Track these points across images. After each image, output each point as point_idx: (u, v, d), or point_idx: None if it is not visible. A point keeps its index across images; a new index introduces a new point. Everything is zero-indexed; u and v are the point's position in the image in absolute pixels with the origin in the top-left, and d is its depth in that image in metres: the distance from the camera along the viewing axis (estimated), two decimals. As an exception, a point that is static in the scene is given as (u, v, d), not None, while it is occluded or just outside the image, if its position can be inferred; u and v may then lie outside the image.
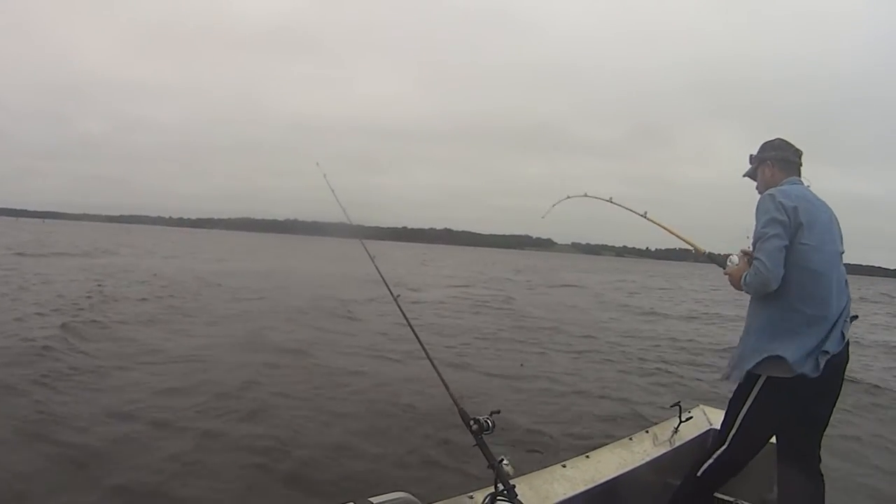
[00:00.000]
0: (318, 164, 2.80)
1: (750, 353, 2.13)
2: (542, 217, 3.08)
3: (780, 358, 2.03)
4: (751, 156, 2.44)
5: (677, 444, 2.68)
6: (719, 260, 2.39)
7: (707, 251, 2.48)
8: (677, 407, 2.76)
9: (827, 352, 2.04)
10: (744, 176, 2.49)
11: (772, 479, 2.68)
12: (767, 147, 2.39)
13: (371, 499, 1.55)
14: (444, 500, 1.90)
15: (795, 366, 2.01)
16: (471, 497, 1.94)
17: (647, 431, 2.73)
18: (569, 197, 3.09)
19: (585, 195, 3.01)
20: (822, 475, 2.22)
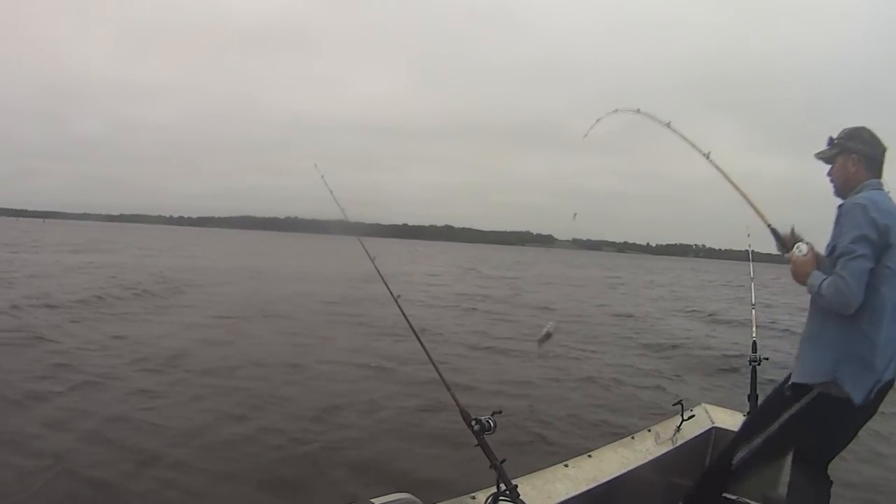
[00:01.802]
0: (316, 165, 2.77)
1: (822, 371, 2.01)
2: (584, 136, 2.71)
3: (841, 383, 1.97)
4: (831, 139, 2.17)
5: (679, 442, 2.66)
6: (783, 240, 2.21)
7: (770, 224, 2.26)
8: (679, 405, 2.75)
9: (882, 380, 1.99)
10: (816, 156, 2.22)
11: (775, 477, 2.67)
12: (855, 137, 2.14)
13: (373, 500, 1.55)
14: (447, 501, 1.89)
15: (853, 392, 1.96)
16: (473, 497, 1.93)
17: (649, 430, 2.71)
18: (617, 111, 2.72)
19: (638, 111, 2.64)
20: (830, 479, 2.20)
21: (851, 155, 2.12)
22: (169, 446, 3.94)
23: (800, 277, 2.08)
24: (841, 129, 2.18)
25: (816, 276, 2.02)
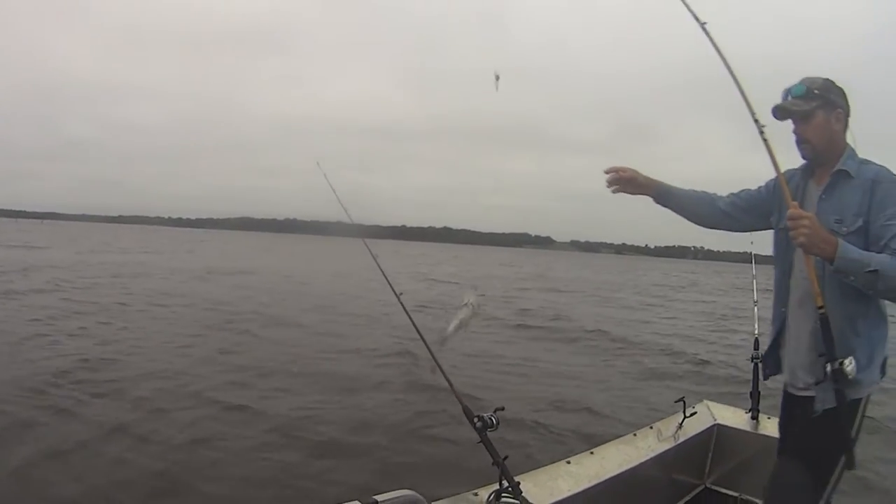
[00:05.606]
0: (318, 163, 2.75)
1: (877, 374, 1.73)
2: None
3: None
4: (808, 88, 1.73)
5: (681, 439, 2.66)
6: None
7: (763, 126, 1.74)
8: (682, 402, 2.75)
9: None
10: (787, 106, 1.76)
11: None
12: (837, 91, 1.75)
13: (376, 497, 1.54)
14: (449, 498, 1.89)
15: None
16: (475, 494, 1.93)
17: (651, 427, 2.71)
18: None
19: None
20: None
21: (838, 110, 1.73)
22: (170, 447, 3.94)
23: (821, 246, 1.54)
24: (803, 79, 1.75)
25: (854, 250, 1.54)
